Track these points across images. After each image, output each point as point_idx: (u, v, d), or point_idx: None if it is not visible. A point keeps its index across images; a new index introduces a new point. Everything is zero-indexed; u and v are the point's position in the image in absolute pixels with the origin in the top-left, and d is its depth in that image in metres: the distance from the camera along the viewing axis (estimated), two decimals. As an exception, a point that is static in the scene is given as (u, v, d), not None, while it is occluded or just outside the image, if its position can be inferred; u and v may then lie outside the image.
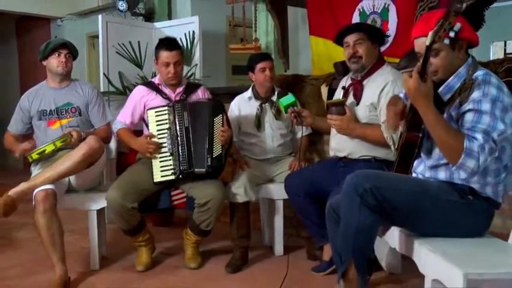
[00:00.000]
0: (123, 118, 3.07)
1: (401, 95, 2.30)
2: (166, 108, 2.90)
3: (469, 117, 1.83)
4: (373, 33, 2.73)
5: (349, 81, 2.82)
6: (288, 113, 2.91)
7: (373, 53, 2.71)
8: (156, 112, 2.91)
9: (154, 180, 2.86)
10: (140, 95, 3.06)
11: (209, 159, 2.85)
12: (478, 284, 1.61)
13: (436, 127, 1.83)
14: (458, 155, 1.78)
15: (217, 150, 2.88)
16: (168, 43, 3.01)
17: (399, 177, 2.01)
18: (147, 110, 2.95)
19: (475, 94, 1.83)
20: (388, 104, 2.32)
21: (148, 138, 2.88)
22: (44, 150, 2.76)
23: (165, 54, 2.97)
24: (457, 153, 1.78)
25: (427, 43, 1.81)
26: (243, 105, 3.29)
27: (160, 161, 2.87)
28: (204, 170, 2.85)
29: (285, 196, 3.00)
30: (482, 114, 1.80)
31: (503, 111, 1.80)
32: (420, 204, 1.90)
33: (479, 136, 1.78)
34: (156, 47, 3.06)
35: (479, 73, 1.90)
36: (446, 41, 1.83)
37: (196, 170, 2.86)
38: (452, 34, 1.81)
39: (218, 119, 2.91)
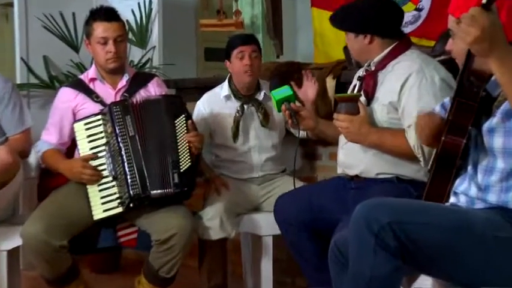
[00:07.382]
0: (48, 136, 3.06)
1: (438, 109, 2.32)
2: (99, 116, 2.91)
3: None
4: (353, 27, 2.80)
5: (364, 72, 2.85)
6: (282, 110, 2.92)
7: (356, 45, 2.79)
8: (85, 124, 2.91)
9: (95, 218, 2.84)
10: (66, 100, 3.06)
11: (176, 176, 2.86)
12: None
13: None
14: None
15: (185, 163, 2.89)
16: (105, 12, 3.04)
17: (429, 206, 2.01)
18: (73, 123, 2.95)
19: None
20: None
21: (84, 160, 2.86)
22: None
23: (101, 27, 2.98)
24: None
25: None
26: (216, 106, 3.29)
27: (101, 190, 2.86)
28: (164, 191, 2.85)
29: (276, 231, 3.00)
30: None
31: None
32: (458, 244, 1.90)
33: None
34: (87, 20, 3.07)
35: None
36: None
37: (152, 192, 2.85)
38: None
39: (180, 121, 2.93)
